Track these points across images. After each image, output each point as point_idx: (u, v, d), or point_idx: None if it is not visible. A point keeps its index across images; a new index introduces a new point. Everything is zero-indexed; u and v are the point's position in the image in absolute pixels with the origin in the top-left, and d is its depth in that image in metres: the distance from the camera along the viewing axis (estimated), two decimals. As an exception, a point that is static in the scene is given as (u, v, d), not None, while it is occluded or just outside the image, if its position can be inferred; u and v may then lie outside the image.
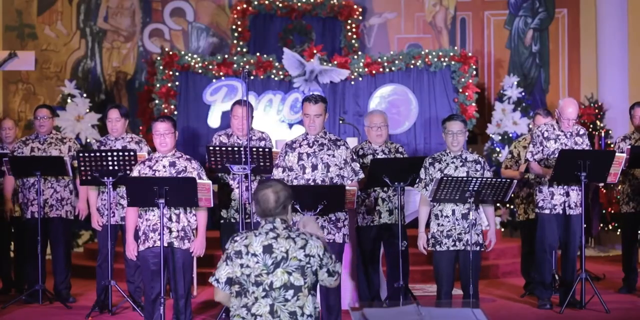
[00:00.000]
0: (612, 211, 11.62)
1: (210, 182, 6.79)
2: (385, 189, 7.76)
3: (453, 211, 7.10)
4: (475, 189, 6.92)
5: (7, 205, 8.77)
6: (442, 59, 12.17)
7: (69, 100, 12.18)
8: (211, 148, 7.67)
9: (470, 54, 12.33)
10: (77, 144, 8.88)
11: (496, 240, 7.32)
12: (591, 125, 12.24)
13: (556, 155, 7.82)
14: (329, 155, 6.98)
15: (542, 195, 8.01)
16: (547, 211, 7.98)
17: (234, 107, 7.98)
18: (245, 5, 12.91)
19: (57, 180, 8.56)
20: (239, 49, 12.78)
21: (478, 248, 7.12)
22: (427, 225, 7.23)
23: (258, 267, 4.39)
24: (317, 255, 4.43)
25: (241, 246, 4.43)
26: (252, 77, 11.84)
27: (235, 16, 12.94)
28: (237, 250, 4.43)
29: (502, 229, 11.95)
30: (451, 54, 12.19)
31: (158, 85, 11.90)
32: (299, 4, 12.94)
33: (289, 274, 4.39)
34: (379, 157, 7.77)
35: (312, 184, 6.88)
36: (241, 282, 4.42)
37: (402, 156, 7.89)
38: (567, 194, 7.95)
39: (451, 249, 7.10)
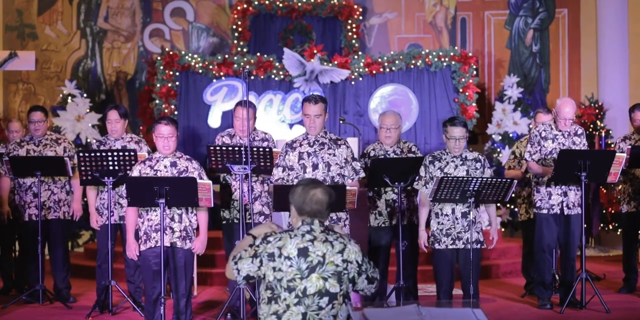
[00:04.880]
0: (613, 211, 11.62)
1: (210, 182, 6.78)
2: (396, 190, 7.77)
3: (453, 210, 7.11)
4: (475, 188, 6.93)
5: (4, 208, 8.74)
6: (443, 59, 12.16)
7: (69, 100, 12.17)
8: (212, 148, 7.66)
9: (470, 54, 12.32)
10: (72, 144, 8.86)
11: (498, 239, 7.34)
12: (591, 125, 12.23)
13: (554, 155, 7.81)
14: (329, 154, 6.98)
15: (539, 195, 8.01)
16: (544, 211, 7.97)
17: (236, 108, 7.96)
18: (245, 5, 12.91)
19: (54, 182, 8.53)
20: (239, 49, 12.78)
21: (478, 246, 7.13)
22: (428, 224, 7.25)
23: (291, 271, 4.09)
24: (356, 261, 4.15)
25: (274, 248, 4.12)
26: (252, 77, 11.84)
27: (236, 16, 12.94)
28: (269, 252, 4.12)
29: (503, 229, 11.94)
30: (451, 54, 12.18)
31: (158, 85, 11.90)
32: (300, 4, 12.94)
33: (324, 280, 4.09)
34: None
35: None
36: (272, 288, 4.12)
37: (414, 156, 7.86)
38: (565, 194, 7.94)
39: (450, 247, 7.11)
